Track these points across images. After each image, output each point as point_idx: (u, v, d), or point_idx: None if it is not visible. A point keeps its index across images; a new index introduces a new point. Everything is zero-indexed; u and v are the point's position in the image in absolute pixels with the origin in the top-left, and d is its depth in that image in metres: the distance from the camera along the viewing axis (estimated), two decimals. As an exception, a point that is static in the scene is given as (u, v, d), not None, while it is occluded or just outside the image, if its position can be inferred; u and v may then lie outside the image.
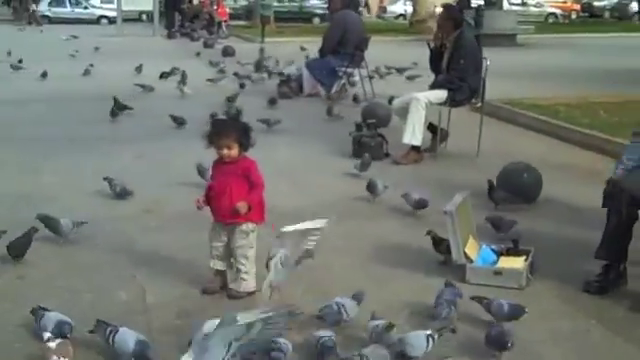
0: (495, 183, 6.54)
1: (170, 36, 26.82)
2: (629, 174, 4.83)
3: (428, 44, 8.43)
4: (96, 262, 5.30)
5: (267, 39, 24.03)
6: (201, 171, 6.76)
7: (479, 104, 8.39)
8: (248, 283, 4.71)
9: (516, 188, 6.48)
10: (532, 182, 6.55)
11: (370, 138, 8.29)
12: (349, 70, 12.21)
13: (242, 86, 12.73)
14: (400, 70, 14.60)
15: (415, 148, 8.10)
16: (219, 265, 4.76)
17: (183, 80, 13.09)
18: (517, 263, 4.92)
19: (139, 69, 15.36)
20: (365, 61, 12.39)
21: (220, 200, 4.63)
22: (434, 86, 8.23)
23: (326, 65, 12.19)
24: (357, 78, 12.63)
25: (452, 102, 8.11)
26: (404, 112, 8.29)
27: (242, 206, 4.55)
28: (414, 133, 8.01)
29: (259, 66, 15.48)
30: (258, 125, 9.15)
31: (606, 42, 22.78)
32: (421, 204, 6.22)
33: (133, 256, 5.39)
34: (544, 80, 13.30)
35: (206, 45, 22.40)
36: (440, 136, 8.34)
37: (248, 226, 4.68)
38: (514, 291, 4.67)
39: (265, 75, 14.51)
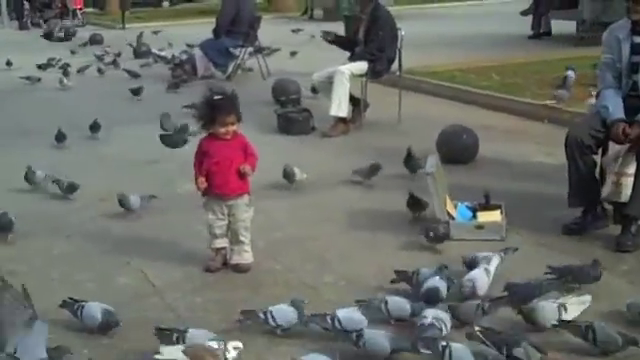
0: (437, 146, 6.89)
1: (22, 27, 25.68)
2: (578, 122, 5.24)
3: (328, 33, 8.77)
4: (81, 253, 5.25)
5: (127, 25, 23.50)
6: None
7: (397, 73, 8.70)
8: (250, 254, 4.86)
9: (457, 149, 6.84)
10: (471, 143, 6.93)
11: (297, 113, 8.45)
12: (244, 49, 12.22)
13: (135, 76, 12.42)
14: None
15: (342, 120, 8.33)
16: (222, 243, 4.85)
17: (65, 71, 12.73)
18: (495, 217, 5.26)
19: (9, 63, 14.71)
20: (258, 40, 12.45)
21: (226, 174, 4.72)
22: (354, 58, 8.46)
23: (220, 46, 12.17)
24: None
25: (373, 73, 8.38)
26: (325, 85, 8.50)
27: (247, 168, 4.70)
28: (340, 105, 8.24)
29: (139, 52, 15.20)
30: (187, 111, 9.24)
31: (464, 11, 23.67)
32: (374, 171, 6.44)
33: (116, 244, 5.38)
34: (426, 49, 13.79)
35: (67, 34, 21.64)
36: (361, 107, 8.59)
37: (247, 198, 4.82)
38: (496, 243, 4.99)
39: (151, 60, 14.28)
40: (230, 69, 12.28)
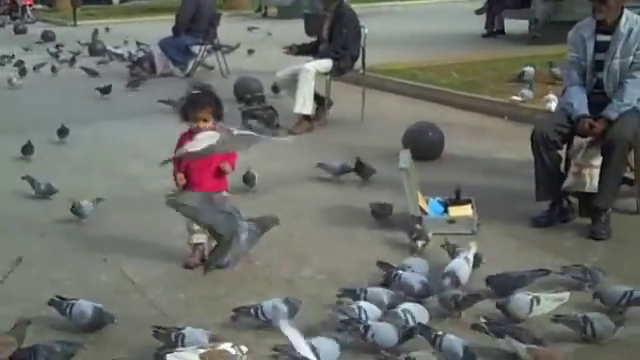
0: (403, 143, 7.00)
1: (-31, 24, 25.29)
2: (543, 119, 5.40)
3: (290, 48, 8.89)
4: (57, 252, 5.25)
5: (78, 22, 23.26)
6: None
7: (361, 71, 8.80)
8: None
9: (424, 146, 6.96)
10: (437, 139, 7.06)
11: (262, 111, 8.51)
12: (203, 47, 12.22)
13: (93, 74, 12.34)
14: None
15: (306, 117, 8.40)
16: (200, 238, 4.88)
17: (22, 70, 12.57)
18: (466, 211, 5.39)
19: (-36, 61, 14.52)
20: (217, 38, 12.45)
21: (204, 171, 4.77)
22: (318, 56, 8.53)
23: (179, 43, 12.17)
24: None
25: (337, 71, 8.47)
26: (289, 83, 8.57)
27: (227, 166, 4.77)
28: (305, 103, 8.31)
29: (95, 50, 15.09)
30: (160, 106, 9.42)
31: (418, 9, 23.91)
32: (344, 170, 6.55)
33: (89, 242, 5.39)
34: (384, 47, 13.91)
35: (17, 31, 21.36)
36: (325, 105, 8.68)
37: (224, 194, 4.85)
38: (467, 236, 5.10)
39: (106, 58, 14.19)
40: (189, 67, 12.27)
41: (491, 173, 6.61)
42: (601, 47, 5.25)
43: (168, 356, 3.45)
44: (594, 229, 5.09)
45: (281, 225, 5.32)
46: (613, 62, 5.18)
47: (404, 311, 3.86)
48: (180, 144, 4.86)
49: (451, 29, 16.59)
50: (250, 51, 14.39)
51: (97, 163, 7.44)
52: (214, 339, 3.67)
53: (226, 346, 3.46)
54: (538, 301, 3.99)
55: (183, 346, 3.62)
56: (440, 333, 3.59)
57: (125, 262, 4.99)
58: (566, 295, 4.09)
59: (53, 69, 12.95)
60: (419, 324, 3.74)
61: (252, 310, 4.00)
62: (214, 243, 4.81)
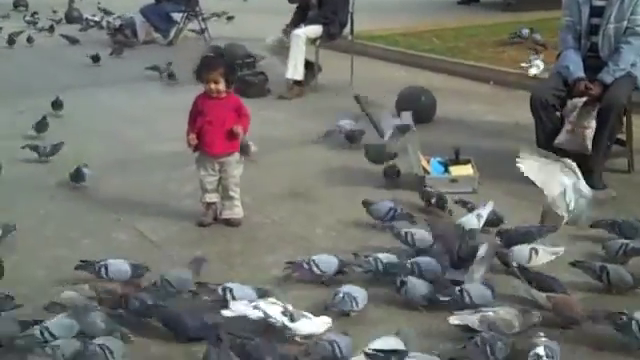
0: (396, 107, 7.19)
1: None
2: (541, 83, 5.60)
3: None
4: (69, 213, 5.35)
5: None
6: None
7: (349, 37, 8.94)
8: (240, 209, 5.06)
9: (416, 110, 7.10)
10: (430, 103, 7.24)
11: (254, 76, 8.62)
12: (185, 14, 12.24)
13: (73, 41, 12.31)
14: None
15: (297, 82, 8.53)
16: (213, 197, 5.04)
17: (10, 39, 12.45)
18: (467, 170, 5.59)
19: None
20: (199, 5, 12.46)
21: (217, 132, 4.90)
22: (307, 22, 8.64)
23: (161, 10, 12.19)
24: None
25: (327, 36, 8.59)
26: (279, 50, 8.69)
27: (239, 128, 4.89)
28: (296, 68, 8.45)
29: (72, 17, 14.99)
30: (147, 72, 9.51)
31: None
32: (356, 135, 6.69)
33: (100, 203, 5.51)
34: (361, 14, 13.94)
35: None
36: (315, 70, 8.81)
37: (237, 156, 5.01)
38: (469, 195, 5.31)
39: (84, 26, 14.11)
40: (172, 34, 12.29)
41: (483, 135, 6.81)
42: (596, 12, 5.45)
43: (223, 311, 3.63)
44: (592, 183, 5.29)
45: (287, 186, 5.55)
46: (608, 26, 5.38)
47: (348, 295, 3.82)
48: (196, 105, 5.00)
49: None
50: (229, 18, 14.43)
51: (95, 129, 7.48)
52: (264, 294, 3.82)
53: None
54: (537, 252, 4.23)
55: (107, 274, 4.07)
56: (459, 288, 3.83)
57: (139, 222, 5.12)
58: (561, 250, 4.30)
59: (29, 39, 12.54)
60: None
61: (305, 263, 4.13)
62: (227, 202, 5.02)
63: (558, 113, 5.51)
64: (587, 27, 5.49)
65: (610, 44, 5.40)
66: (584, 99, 5.38)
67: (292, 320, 3.55)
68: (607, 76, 5.31)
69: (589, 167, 5.34)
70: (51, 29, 13.63)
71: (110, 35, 12.59)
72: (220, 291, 3.83)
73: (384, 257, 4.15)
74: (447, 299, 3.79)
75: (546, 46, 9.52)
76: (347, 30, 8.91)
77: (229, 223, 5.01)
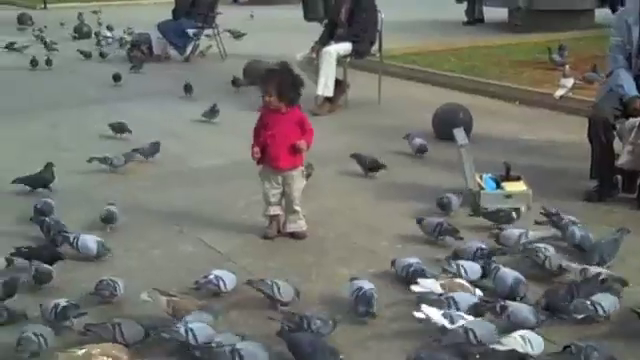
0: (433, 124, 7.33)
1: None
2: (599, 103, 5.72)
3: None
4: (130, 224, 5.37)
5: (49, 5, 22.95)
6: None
7: (377, 55, 9.06)
8: (304, 222, 5.13)
9: (454, 127, 7.21)
10: (467, 120, 7.33)
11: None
12: (203, 31, 12.32)
13: (87, 55, 12.31)
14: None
15: (328, 99, 8.62)
16: (277, 210, 5.10)
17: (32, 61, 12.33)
18: (521, 186, 5.68)
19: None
20: (216, 22, 12.55)
21: (280, 146, 4.97)
22: (337, 40, 8.75)
23: (178, 27, 12.25)
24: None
25: (356, 54, 8.71)
26: (308, 66, 8.77)
27: (302, 144, 4.96)
28: (326, 85, 8.54)
29: (82, 33, 15.02)
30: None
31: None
32: (422, 149, 6.86)
33: (157, 214, 5.55)
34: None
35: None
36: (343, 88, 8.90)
37: (300, 169, 5.09)
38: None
39: (96, 41, 14.13)
40: (188, 50, 12.37)
41: (524, 153, 6.87)
42: (647, 32, 5.58)
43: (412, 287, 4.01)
44: (645, 201, 5.45)
45: (339, 200, 5.63)
46: (660, 47, 5.52)
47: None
48: (261, 119, 5.10)
49: (433, 17, 16.89)
50: (238, 36, 14.47)
51: (136, 141, 7.48)
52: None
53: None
54: (527, 235, 4.71)
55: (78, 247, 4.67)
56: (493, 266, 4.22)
57: (202, 234, 5.16)
58: (552, 231, 4.67)
59: (48, 62, 11.89)
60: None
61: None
62: (291, 216, 5.08)
63: (614, 131, 5.61)
64: (637, 47, 5.62)
65: (661, 64, 5.54)
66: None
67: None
68: (661, 94, 5.45)
69: (641, 184, 5.48)
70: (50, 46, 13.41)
71: (127, 51, 12.61)
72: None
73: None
74: None
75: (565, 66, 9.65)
76: (375, 48, 9.02)
77: (295, 236, 5.08)
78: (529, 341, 3.52)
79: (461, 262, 4.38)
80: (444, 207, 5.41)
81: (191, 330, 3.56)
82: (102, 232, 5.12)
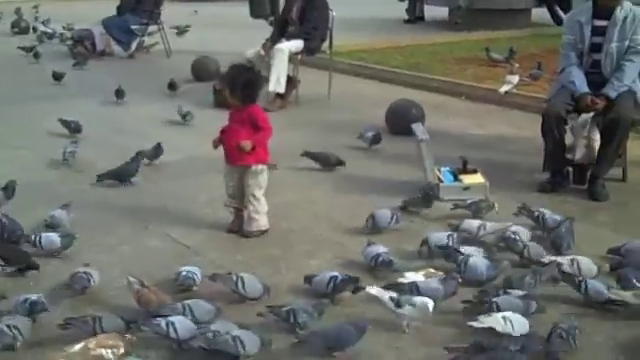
0: (386, 119, 7.46)
1: None
2: (552, 99, 5.92)
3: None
4: (95, 220, 5.36)
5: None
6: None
7: (328, 52, 9.16)
8: (259, 222, 5.11)
9: (407, 122, 7.34)
10: (420, 116, 7.47)
11: (237, 89, 8.71)
12: (148, 27, 12.24)
13: (36, 55, 12.08)
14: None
15: (279, 95, 8.68)
16: (234, 203, 5.16)
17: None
18: (478, 179, 5.84)
19: None
20: (161, 18, 12.49)
21: (229, 142, 5.05)
22: (289, 37, 8.82)
23: (123, 23, 12.15)
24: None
25: (308, 51, 8.80)
26: (258, 63, 8.80)
27: (245, 144, 4.96)
28: (279, 81, 8.60)
29: (21, 28, 14.77)
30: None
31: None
32: (376, 139, 7.00)
33: (120, 211, 5.54)
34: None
35: None
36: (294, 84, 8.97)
37: (257, 167, 5.08)
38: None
39: (35, 37, 13.91)
40: (133, 47, 12.28)
41: (474, 147, 7.01)
42: (597, 31, 5.80)
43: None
44: (595, 193, 5.66)
45: (298, 194, 5.74)
46: (611, 45, 5.73)
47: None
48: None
49: (375, 15, 17.04)
50: (181, 32, 14.39)
51: (90, 137, 7.44)
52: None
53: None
54: (485, 227, 4.90)
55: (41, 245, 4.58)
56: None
57: (168, 229, 5.18)
58: (509, 224, 4.85)
59: None
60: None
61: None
62: (245, 212, 5.12)
63: (566, 126, 5.81)
64: (589, 45, 5.82)
65: (612, 62, 5.75)
66: (592, 113, 5.71)
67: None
68: (611, 91, 5.66)
69: (595, 175, 5.69)
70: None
71: (69, 47, 12.45)
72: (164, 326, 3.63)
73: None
74: None
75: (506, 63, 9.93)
76: (325, 45, 9.12)
77: (242, 234, 5.08)
78: (510, 321, 3.64)
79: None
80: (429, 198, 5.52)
81: (172, 324, 3.58)
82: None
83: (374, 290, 3.94)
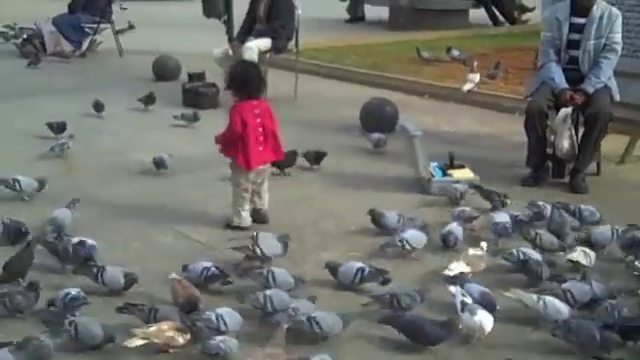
0: (360, 117, 7.66)
1: None
2: (534, 97, 6.18)
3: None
4: (100, 219, 5.38)
5: None
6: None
7: (295, 50, 9.29)
8: (236, 219, 5.24)
9: (381, 120, 7.56)
10: (394, 114, 7.68)
11: (206, 88, 8.79)
12: (101, 25, 12.10)
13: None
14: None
15: (249, 95, 8.74)
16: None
17: None
18: (467, 173, 6.07)
19: None
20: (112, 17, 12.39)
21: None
22: (256, 35, 8.91)
23: (74, 22, 12.01)
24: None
25: (275, 49, 8.91)
26: (225, 62, 8.87)
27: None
28: (249, 80, 8.65)
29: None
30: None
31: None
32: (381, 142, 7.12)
33: (124, 210, 5.58)
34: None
35: None
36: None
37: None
38: (470, 195, 5.81)
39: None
40: (85, 46, 12.15)
41: (449, 144, 7.13)
42: (575, 28, 6.09)
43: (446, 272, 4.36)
44: (576, 186, 5.96)
45: (295, 191, 5.93)
46: (588, 43, 6.03)
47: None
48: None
49: (316, 14, 17.12)
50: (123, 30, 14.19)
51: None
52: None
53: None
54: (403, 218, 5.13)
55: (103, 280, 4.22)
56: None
57: (177, 225, 5.25)
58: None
59: None
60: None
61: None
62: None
63: (548, 121, 6.08)
64: (567, 42, 6.11)
65: (590, 58, 6.05)
66: (571, 108, 5.99)
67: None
68: (589, 87, 5.96)
69: (576, 169, 5.99)
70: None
71: (18, 45, 12.23)
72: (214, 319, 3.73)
73: None
74: None
75: (466, 63, 10.20)
76: (291, 44, 9.25)
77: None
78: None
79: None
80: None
81: (221, 317, 3.72)
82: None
83: (453, 288, 4.00)
